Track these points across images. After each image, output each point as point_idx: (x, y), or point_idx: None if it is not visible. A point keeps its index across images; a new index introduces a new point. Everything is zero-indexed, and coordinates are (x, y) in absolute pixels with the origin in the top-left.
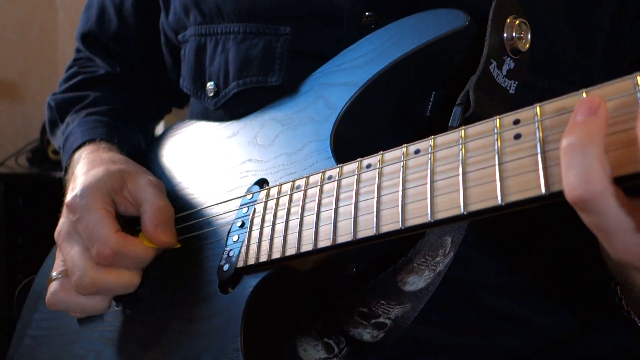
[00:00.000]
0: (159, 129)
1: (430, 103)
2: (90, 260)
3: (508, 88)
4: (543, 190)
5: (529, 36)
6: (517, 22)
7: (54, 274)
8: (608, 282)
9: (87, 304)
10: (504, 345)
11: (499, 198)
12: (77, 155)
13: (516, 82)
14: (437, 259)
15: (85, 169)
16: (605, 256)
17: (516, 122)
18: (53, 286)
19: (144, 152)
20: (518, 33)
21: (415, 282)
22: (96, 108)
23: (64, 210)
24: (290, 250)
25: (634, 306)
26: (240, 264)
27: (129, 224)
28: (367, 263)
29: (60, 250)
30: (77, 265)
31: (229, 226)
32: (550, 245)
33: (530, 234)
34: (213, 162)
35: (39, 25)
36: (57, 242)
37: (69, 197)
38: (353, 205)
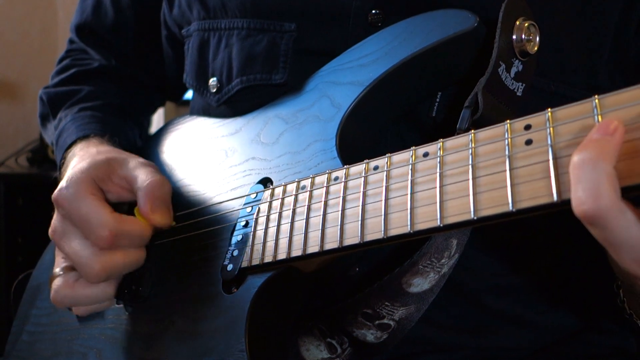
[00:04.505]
0: (158, 126)
1: (437, 104)
2: (93, 248)
3: (516, 90)
4: (555, 197)
5: (538, 38)
6: (526, 24)
7: (57, 270)
8: (610, 284)
9: (93, 294)
10: (504, 345)
11: (510, 204)
12: (70, 154)
13: (524, 85)
14: (443, 261)
15: (72, 165)
16: (613, 264)
17: (527, 127)
18: (56, 283)
19: (141, 148)
20: (527, 35)
21: (420, 284)
22: (90, 103)
23: (55, 207)
24: (296, 252)
25: (636, 309)
26: (245, 264)
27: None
28: (371, 264)
29: (58, 248)
30: (82, 255)
31: (233, 225)
32: (550, 247)
33: (530, 235)
34: (215, 159)
35: (39, 25)
36: (54, 240)
37: (55, 192)
38: (360, 207)
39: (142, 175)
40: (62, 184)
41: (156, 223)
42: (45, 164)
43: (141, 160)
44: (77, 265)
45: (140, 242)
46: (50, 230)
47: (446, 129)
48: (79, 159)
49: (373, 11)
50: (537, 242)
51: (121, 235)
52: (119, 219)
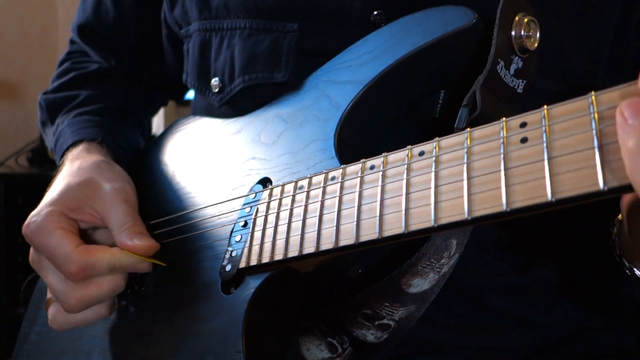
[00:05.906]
0: (158, 127)
1: (439, 104)
2: (67, 282)
3: (516, 87)
4: (549, 197)
5: (538, 34)
6: (525, 20)
7: (50, 296)
8: (610, 283)
9: (88, 317)
10: (504, 345)
11: (504, 204)
12: (63, 159)
13: (524, 82)
14: (442, 261)
15: (53, 185)
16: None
17: (523, 125)
18: (50, 312)
19: (146, 149)
20: (527, 31)
21: (420, 284)
22: (87, 107)
23: None
24: (293, 252)
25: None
26: (243, 264)
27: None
28: (371, 265)
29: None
30: (58, 290)
31: (232, 226)
32: (551, 246)
33: (531, 234)
34: (216, 159)
35: (39, 25)
36: (34, 269)
37: (25, 224)
38: (356, 208)
39: (112, 213)
40: (32, 215)
41: (142, 250)
42: (45, 164)
43: (116, 186)
44: (55, 297)
45: (114, 269)
46: (29, 259)
47: (448, 127)
48: (60, 178)
49: (375, 12)
50: (537, 241)
51: (89, 267)
52: (84, 252)
